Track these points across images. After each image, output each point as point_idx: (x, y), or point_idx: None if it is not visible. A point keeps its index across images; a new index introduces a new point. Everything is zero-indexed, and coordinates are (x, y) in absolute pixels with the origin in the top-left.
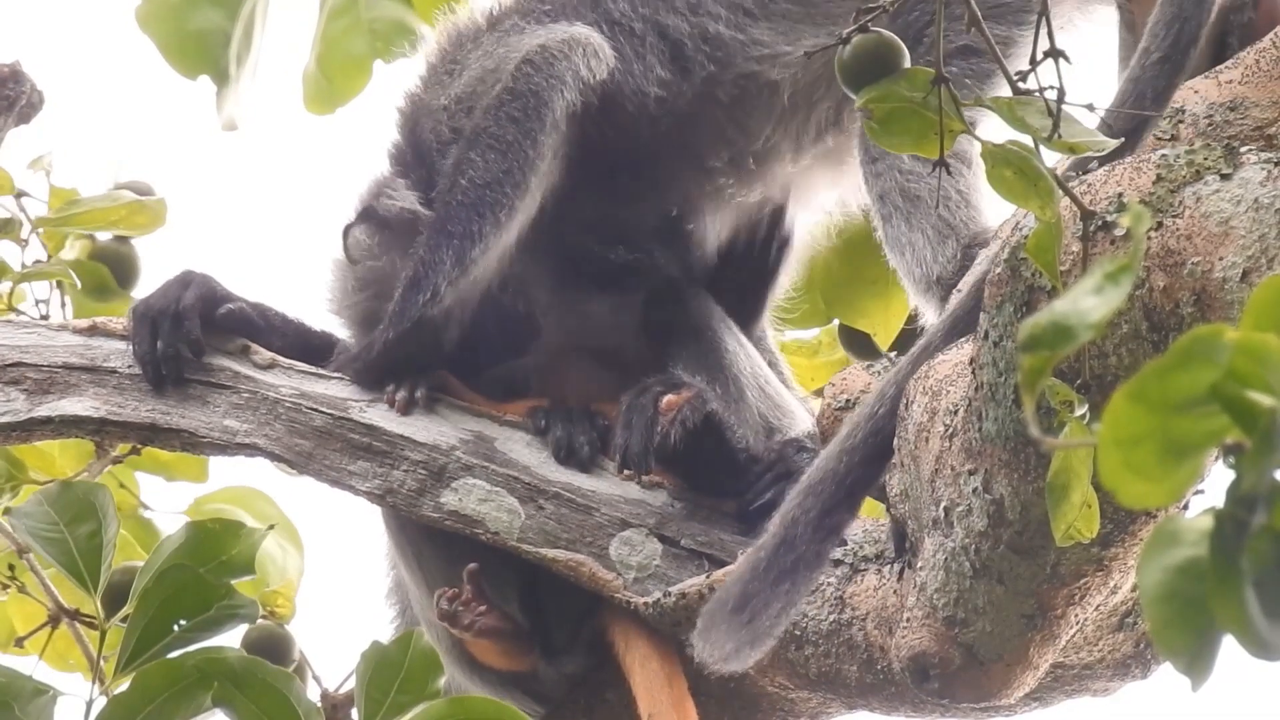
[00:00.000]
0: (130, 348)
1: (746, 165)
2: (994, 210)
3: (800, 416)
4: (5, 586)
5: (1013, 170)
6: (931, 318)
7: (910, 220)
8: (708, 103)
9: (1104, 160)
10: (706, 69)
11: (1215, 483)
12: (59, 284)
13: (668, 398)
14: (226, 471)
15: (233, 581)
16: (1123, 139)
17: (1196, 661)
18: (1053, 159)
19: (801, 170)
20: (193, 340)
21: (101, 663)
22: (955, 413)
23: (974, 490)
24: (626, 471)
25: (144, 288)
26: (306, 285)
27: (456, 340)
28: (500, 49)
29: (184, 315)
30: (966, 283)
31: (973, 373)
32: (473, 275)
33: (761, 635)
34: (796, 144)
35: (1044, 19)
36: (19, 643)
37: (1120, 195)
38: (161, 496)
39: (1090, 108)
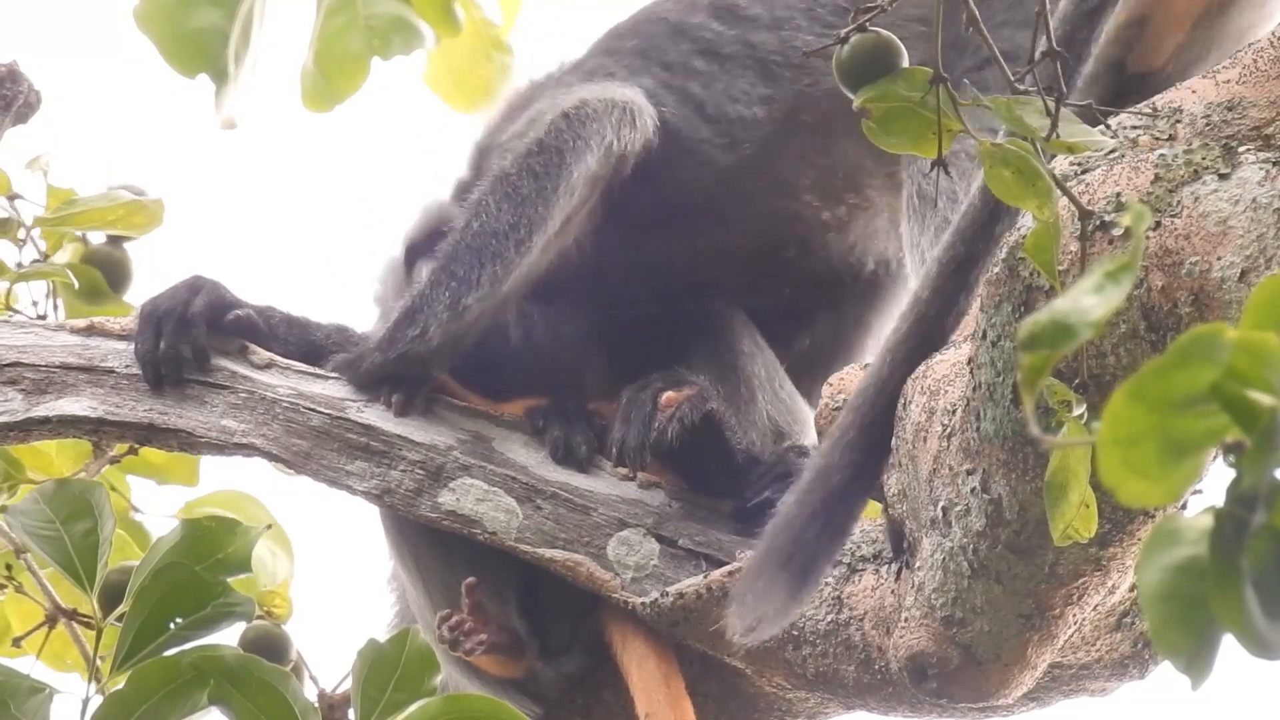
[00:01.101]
0: (132, 347)
1: (834, 182)
2: None
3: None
4: (2, 587)
5: (1011, 170)
6: None
7: (923, 222)
8: (792, 124)
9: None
10: (794, 86)
11: (1215, 482)
12: (52, 286)
13: (667, 394)
14: (217, 476)
15: (229, 580)
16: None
17: (1196, 661)
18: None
19: (892, 182)
20: (198, 348)
21: (98, 662)
22: (953, 412)
23: (972, 490)
24: (623, 470)
25: (137, 292)
26: (304, 283)
27: (448, 368)
28: (560, 94)
29: (191, 321)
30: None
31: (970, 372)
32: (466, 320)
33: (812, 582)
34: (879, 155)
35: (1043, 19)
36: (16, 642)
37: (1118, 195)
38: (152, 500)
39: (1091, 107)
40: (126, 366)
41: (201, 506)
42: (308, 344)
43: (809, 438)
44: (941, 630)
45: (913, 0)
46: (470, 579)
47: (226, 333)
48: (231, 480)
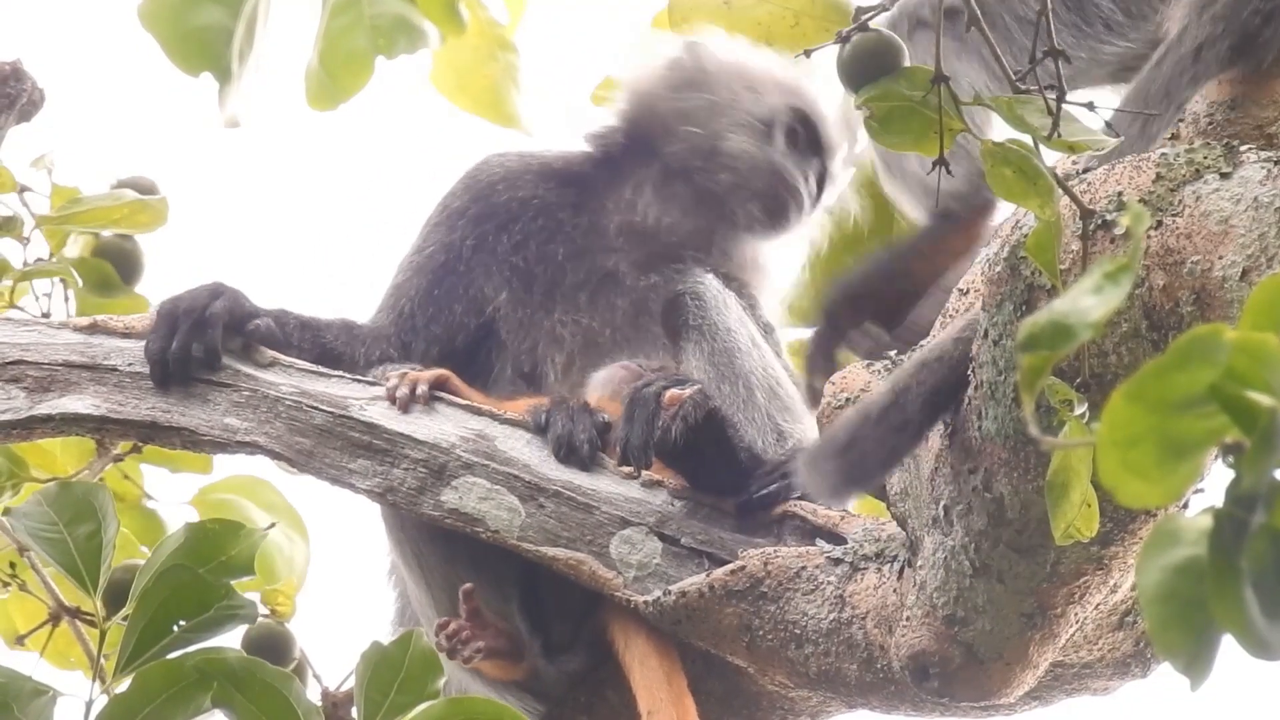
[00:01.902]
0: (136, 344)
1: None
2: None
3: (812, 420)
4: (6, 585)
5: (1012, 169)
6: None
7: None
8: None
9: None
10: None
11: (1215, 482)
12: (62, 281)
13: (670, 392)
14: (232, 463)
15: (232, 581)
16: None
17: (1195, 661)
18: (1053, 158)
19: None
20: (210, 348)
21: (102, 661)
22: (955, 411)
23: (974, 489)
24: (627, 468)
25: (148, 284)
26: (308, 280)
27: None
28: None
29: (208, 323)
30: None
31: (972, 371)
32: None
33: (861, 478)
34: None
35: (1044, 19)
36: (20, 640)
37: (1120, 194)
38: (167, 487)
39: (1090, 107)
40: (130, 364)
41: (215, 493)
42: (320, 347)
43: (808, 433)
44: (943, 629)
45: None
46: (467, 585)
47: (246, 340)
48: (247, 467)
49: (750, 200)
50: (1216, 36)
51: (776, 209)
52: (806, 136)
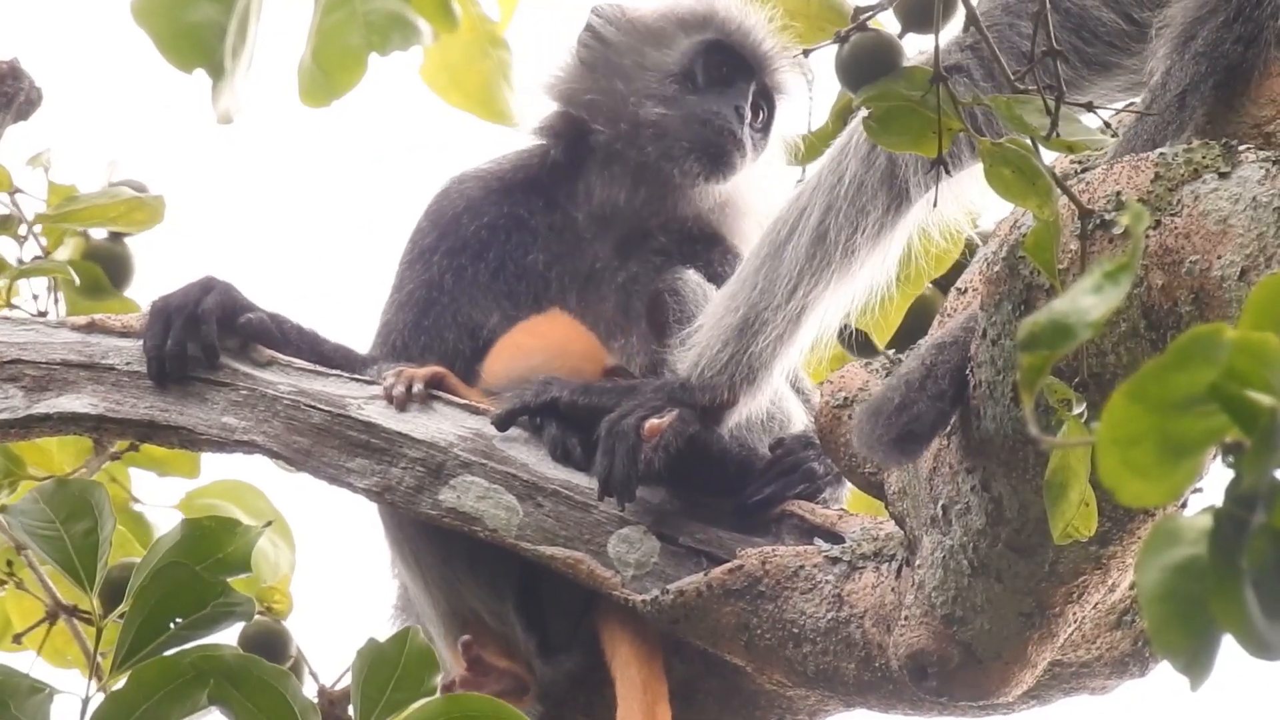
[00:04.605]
0: (133, 343)
1: None
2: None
3: (797, 407)
4: (3, 583)
5: (1011, 169)
6: None
7: None
8: None
9: None
10: None
11: (1215, 481)
12: (54, 282)
13: (650, 423)
14: (219, 467)
15: (229, 579)
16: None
17: (1195, 661)
18: (1051, 157)
19: None
20: (208, 345)
21: (99, 659)
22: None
23: (972, 488)
24: (608, 499)
25: (138, 287)
26: (302, 276)
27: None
28: None
29: (202, 318)
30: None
31: (970, 371)
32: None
33: (918, 435)
34: None
35: (1043, 19)
36: (17, 639)
37: (1118, 194)
38: (153, 491)
39: (1089, 107)
40: (127, 364)
41: (202, 497)
42: (318, 355)
43: (795, 422)
44: (942, 628)
45: None
46: (465, 637)
47: (240, 335)
48: (234, 472)
49: (683, 159)
50: (1200, 78)
51: (710, 157)
52: (728, 63)
